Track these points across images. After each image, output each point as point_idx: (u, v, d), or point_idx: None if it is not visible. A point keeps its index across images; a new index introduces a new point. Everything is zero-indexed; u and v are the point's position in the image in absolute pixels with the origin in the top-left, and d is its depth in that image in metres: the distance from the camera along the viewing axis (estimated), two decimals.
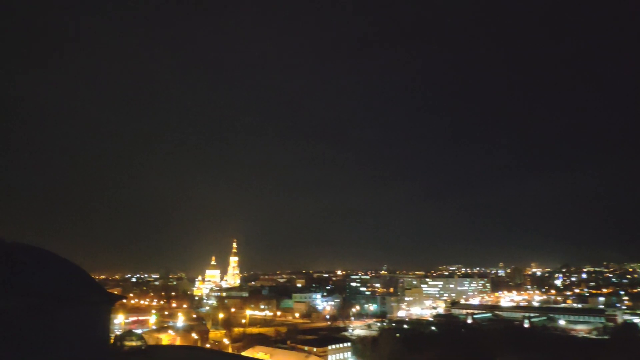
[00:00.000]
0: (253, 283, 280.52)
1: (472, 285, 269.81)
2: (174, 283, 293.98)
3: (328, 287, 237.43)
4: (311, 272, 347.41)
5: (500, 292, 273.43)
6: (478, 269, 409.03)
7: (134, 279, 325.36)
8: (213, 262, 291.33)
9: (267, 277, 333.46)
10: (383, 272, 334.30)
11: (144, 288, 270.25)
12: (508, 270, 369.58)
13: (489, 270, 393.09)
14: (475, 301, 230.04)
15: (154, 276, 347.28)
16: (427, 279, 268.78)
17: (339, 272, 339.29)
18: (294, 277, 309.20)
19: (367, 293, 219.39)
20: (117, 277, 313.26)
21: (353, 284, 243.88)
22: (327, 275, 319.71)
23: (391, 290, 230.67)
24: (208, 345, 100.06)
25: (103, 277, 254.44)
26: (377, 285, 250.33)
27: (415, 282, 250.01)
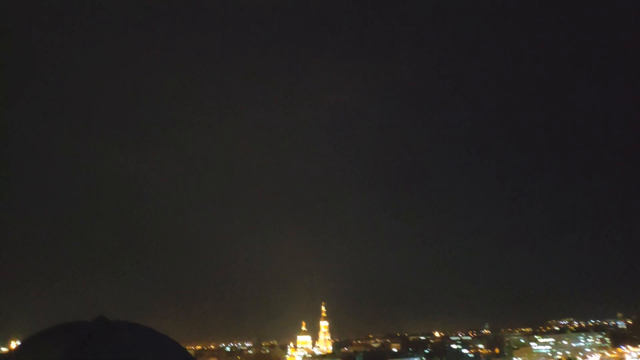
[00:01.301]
0: (346, 349, 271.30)
1: (588, 340, 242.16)
2: (267, 351, 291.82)
3: (426, 351, 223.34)
4: (406, 335, 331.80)
5: (623, 347, 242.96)
6: (593, 321, 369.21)
7: (228, 349, 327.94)
8: (304, 328, 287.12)
9: (359, 342, 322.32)
10: (485, 331, 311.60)
11: (238, 357, 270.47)
12: (629, 321, 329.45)
13: (606, 323, 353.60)
14: (595, 359, 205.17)
15: (247, 344, 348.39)
16: (536, 336, 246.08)
17: (437, 334, 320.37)
18: (388, 341, 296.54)
19: (470, 355, 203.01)
20: (212, 346, 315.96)
21: (453, 346, 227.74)
22: (424, 337, 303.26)
23: (497, 351, 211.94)
24: None
25: (199, 347, 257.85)
26: (480, 345, 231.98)
27: (522, 341, 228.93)
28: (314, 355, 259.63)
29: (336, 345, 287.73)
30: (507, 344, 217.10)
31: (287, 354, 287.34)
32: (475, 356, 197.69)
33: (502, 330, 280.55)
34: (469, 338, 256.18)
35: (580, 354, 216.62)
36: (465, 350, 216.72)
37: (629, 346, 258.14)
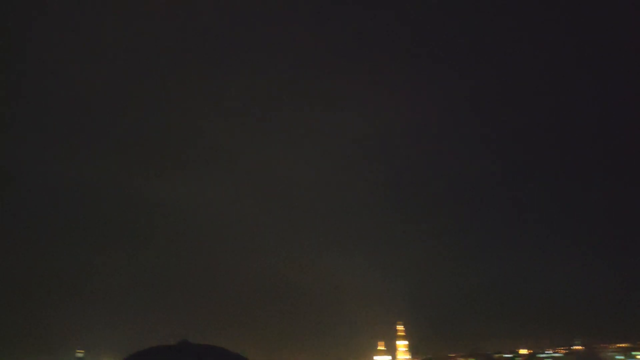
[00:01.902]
0: None
1: None
2: None
3: None
4: (489, 352, 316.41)
5: None
6: None
7: None
8: (381, 348, 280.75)
9: None
10: (577, 346, 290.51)
11: None
12: None
13: None
14: None
15: None
16: (635, 352, 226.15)
17: (523, 351, 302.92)
18: (471, 359, 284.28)
19: None
20: None
21: None
22: (509, 355, 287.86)
23: None
24: None
25: None
26: None
27: (619, 357, 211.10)
28: None
29: None
30: None
31: None
32: None
33: (596, 345, 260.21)
34: (559, 355, 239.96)
35: None
36: None
37: None
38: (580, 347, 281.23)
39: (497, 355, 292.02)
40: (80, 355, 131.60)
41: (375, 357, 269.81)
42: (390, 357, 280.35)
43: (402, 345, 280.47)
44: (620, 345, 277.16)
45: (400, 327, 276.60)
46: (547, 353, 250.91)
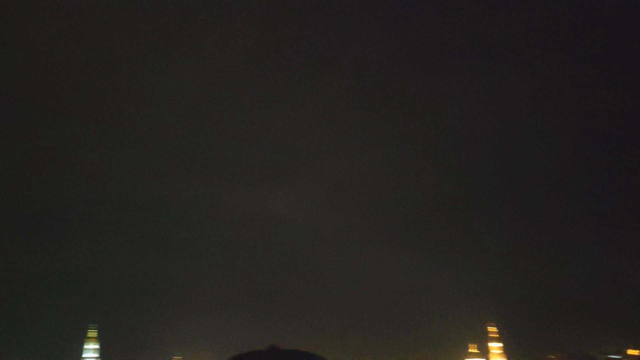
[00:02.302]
0: None
1: None
2: None
3: None
4: (592, 354, 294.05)
5: None
6: None
7: None
8: (473, 350, 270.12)
9: None
10: None
11: None
12: None
13: None
14: None
15: None
16: None
17: (632, 352, 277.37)
18: None
19: None
20: None
21: None
22: (616, 356, 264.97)
23: None
24: None
25: None
26: None
27: None
28: None
29: None
30: None
31: None
32: None
33: None
34: None
35: None
36: None
37: None
38: None
39: (602, 357, 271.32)
40: None
41: None
42: None
43: (495, 347, 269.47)
44: None
45: (492, 329, 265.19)
46: None
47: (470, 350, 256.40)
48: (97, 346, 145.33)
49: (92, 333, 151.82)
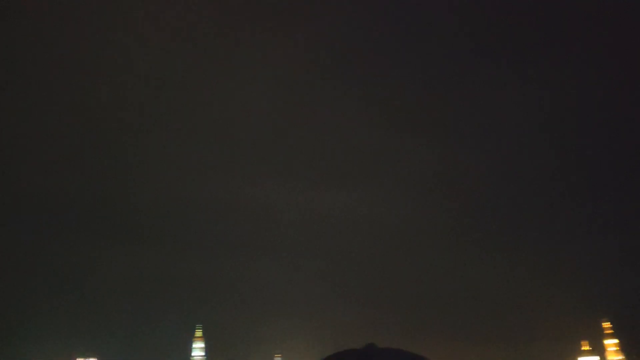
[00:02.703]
0: None
1: None
2: None
3: None
4: None
5: None
6: None
7: None
8: (586, 348, 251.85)
9: None
10: None
11: None
12: None
13: None
14: None
15: None
16: None
17: None
18: None
19: None
20: None
21: None
22: None
23: None
24: None
25: None
26: None
27: None
28: None
29: None
30: None
31: None
32: None
33: None
34: None
35: None
36: None
37: None
38: None
39: None
40: (278, 359, 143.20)
41: (579, 359, 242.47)
42: (598, 358, 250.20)
43: (611, 344, 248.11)
44: None
45: (607, 325, 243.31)
46: None
47: (583, 348, 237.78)
48: (202, 345, 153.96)
49: (199, 332, 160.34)
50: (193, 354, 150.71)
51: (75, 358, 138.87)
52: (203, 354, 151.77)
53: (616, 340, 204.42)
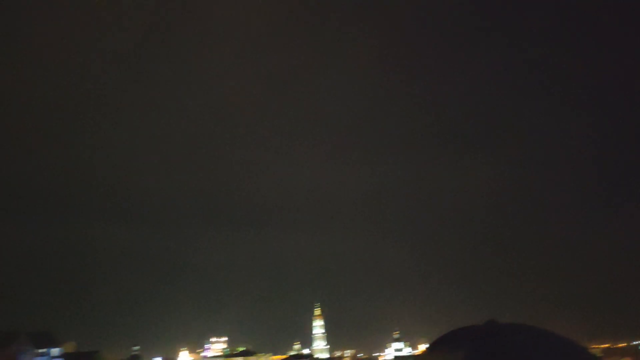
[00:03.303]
0: None
1: None
2: None
3: None
4: None
5: None
6: None
7: None
8: None
9: None
10: None
11: None
12: None
13: None
14: None
15: None
16: None
17: None
18: None
19: None
20: (621, 345, 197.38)
21: None
22: None
23: None
24: None
25: (606, 345, 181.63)
26: None
27: None
28: None
29: None
30: None
31: None
32: None
33: None
34: None
35: None
36: None
37: None
38: None
39: None
40: (396, 335, 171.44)
41: None
42: None
43: None
44: None
45: None
46: None
47: None
48: (322, 322, 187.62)
49: (317, 311, 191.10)
50: (314, 331, 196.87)
51: (210, 337, 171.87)
52: (323, 331, 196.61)
53: None
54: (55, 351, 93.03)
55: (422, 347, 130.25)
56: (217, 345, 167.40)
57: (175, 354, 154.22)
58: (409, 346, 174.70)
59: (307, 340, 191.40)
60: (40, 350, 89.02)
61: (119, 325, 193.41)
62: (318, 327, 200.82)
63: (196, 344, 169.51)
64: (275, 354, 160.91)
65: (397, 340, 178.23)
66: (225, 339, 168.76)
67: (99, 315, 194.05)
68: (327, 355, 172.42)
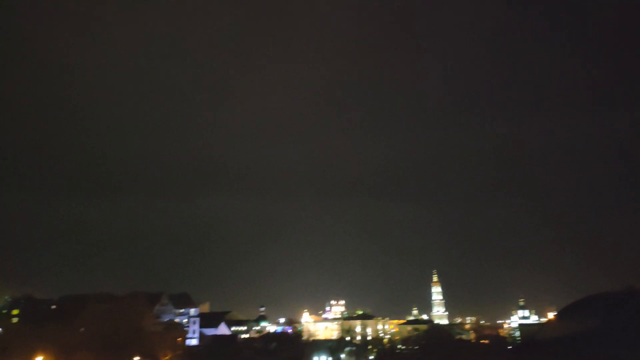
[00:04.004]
0: None
1: None
2: None
3: None
4: None
5: None
6: None
7: None
8: None
9: None
10: None
11: None
12: None
13: None
14: None
15: None
16: None
17: None
18: None
19: None
20: None
21: None
22: None
23: None
24: None
25: None
26: None
27: None
28: None
29: None
30: None
31: None
32: None
33: None
34: None
35: None
36: None
37: None
38: None
39: None
40: (522, 303, 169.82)
41: None
42: None
43: None
44: None
45: None
46: None
47: None
48: (439, 289, 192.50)
49: (435, 277, 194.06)
50: (432, 297, 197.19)
51: (330, 301, 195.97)
52: (440, 297, 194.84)
53: None
54: (192, 311, 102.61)
55: (551, 315, 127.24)
56: (337, 308, 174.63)
57: (298, 315, 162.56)
58: (535, 314, 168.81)
59: (426, 307, 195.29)
60: (180, 310, 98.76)
61: (248, 288, 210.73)
62: (436, 293, 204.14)
63: (317, 306, 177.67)
64: (393, 319, 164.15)
65: (522, 307, 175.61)
66: (344, 302, 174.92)
67: (230, 278, 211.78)
68: (446, 322, 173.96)
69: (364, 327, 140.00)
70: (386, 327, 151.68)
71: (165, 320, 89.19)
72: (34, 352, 54.31)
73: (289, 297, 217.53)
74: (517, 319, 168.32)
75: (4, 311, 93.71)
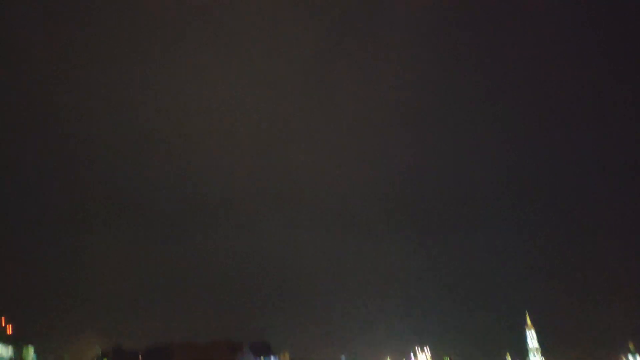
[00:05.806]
0: None
1: None
2: None
3: None
4: None
5: None
6: None
7: None
8: None
9: None
10: None
11: None
12: None
13: None
14: None
15: None
16: None
17: None
18: None
19: None
20: None
21: None
22: None
23: None
24: None
25: None
26: None
27: None
28: None
29: None
30: None
31: None
32: None
33: None
34: None
35: None
36: None
37: None
38: None
39: None
40: (632, 348, 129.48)
41: None
42: None
43: None
44: None
45: None
46: None
47: None
48: (533, 332, 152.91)
49: (528, 320, 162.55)
50: (527, 342, 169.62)
51: (416, 346, 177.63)
52: (536, 342, 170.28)
53: None
54: None
55: None
56: (422, 356, 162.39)
57: None
58: None
59: (520, 352, 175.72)
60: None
61: (327, 335, 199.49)
62: (530, 337, 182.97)
63: (400, 354, 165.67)
64: None
65: (633, 353, 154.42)
66: (428, 348, 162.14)
67: (309, 325, 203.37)
68: None
69: None
70: None
71: None
72: None
73: (370, 344, 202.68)
74: None
75: None
